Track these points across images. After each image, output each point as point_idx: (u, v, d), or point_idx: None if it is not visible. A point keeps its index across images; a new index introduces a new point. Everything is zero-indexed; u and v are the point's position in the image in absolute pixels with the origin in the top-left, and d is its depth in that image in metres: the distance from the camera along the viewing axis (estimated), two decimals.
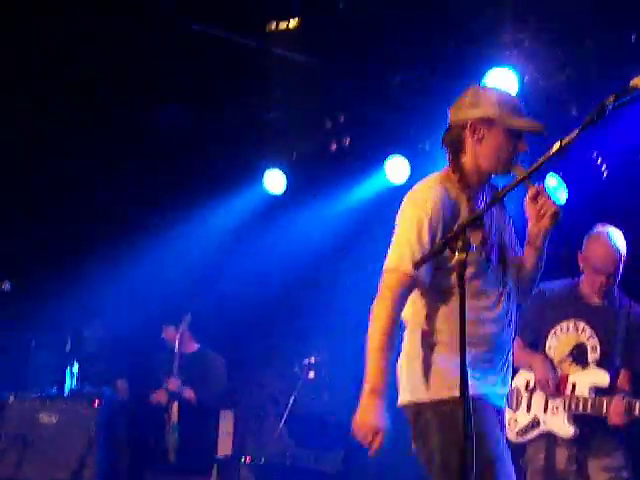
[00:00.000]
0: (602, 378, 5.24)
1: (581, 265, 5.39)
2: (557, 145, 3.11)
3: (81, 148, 8.00)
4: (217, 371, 7.87)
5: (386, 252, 3.62)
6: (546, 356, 5.41)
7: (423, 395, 3.57)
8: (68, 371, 7.73)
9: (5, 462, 7.24)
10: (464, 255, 3.11)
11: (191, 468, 7.53)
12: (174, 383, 7.67)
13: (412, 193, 3.68)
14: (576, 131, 3.06)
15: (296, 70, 7.52)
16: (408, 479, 7.20)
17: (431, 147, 7.40)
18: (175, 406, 7.64)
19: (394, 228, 3.65)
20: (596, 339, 5.30)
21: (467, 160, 3.66)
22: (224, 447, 8.57)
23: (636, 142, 6.54)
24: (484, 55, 6.65)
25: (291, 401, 7.83)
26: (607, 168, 6.76)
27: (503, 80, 6.44)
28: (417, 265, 3.40)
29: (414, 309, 3.65)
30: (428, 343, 3.59)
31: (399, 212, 3.67)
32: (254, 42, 7.43)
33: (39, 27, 7.11)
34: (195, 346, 7.96)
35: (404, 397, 3.65)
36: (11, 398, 7.47)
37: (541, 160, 3.15)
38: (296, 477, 7.74)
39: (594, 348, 5.31)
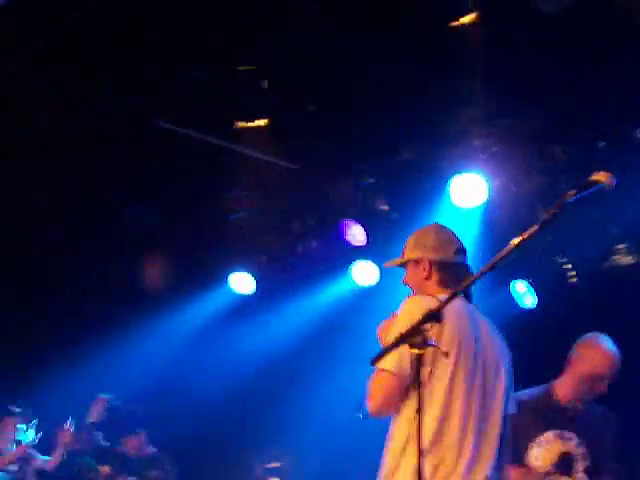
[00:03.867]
0: None
1: (571, 371, 5.15)
2: (517, 239, 3.01)
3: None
4: None
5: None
6: (529, 468, 5.14)
7: None
8: None
9: None
10: None
11: None
12: None
13: None
14: (536, 226, 2.99)
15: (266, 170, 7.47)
16: None
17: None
18: None
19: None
20: (584, 447, 5.07)
21: None
22: None
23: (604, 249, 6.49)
24: (453, 160, 6.58)
25: None
26: (577, 274, 6.67)
27: (470, 185, 6.38)
28: None
29: None
30: None
31: None
32: (223, 141, 7.36)
33: None
34: None
35: None
36: None
37: (503, 253, 3.02)
38: None
39: (583, 456, 5.07)
